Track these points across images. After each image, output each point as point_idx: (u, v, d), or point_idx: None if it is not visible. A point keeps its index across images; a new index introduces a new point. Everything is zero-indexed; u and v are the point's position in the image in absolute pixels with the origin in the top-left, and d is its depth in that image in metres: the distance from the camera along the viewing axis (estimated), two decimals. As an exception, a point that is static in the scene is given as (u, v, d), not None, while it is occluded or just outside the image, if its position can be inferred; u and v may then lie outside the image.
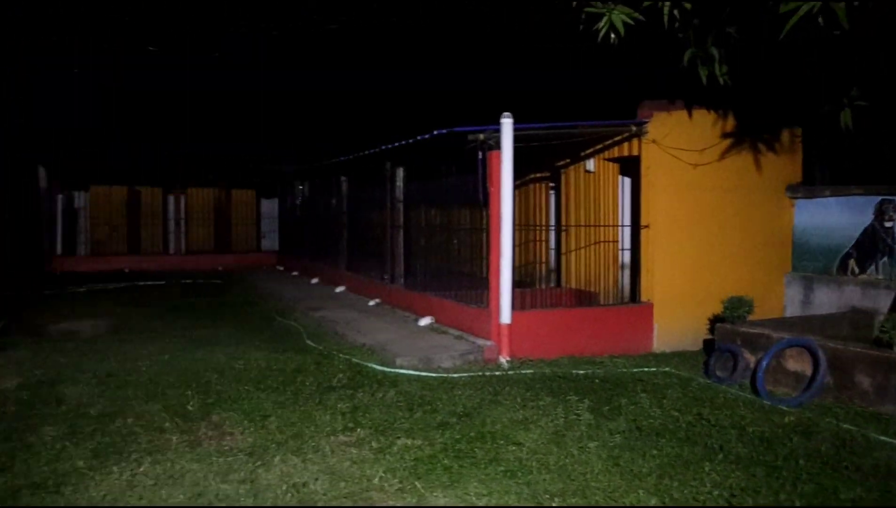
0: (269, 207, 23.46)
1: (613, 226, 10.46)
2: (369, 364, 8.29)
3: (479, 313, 9.13)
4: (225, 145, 27.51)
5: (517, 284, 9.66)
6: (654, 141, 9.61)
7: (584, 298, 10.71)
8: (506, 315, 8.60)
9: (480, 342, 8.86)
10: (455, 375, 7.98)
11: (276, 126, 30.25)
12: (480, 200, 8.87)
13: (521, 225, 11.36)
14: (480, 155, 8.87)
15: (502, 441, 5.78)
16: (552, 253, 12.37)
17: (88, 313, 12.27)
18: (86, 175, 20.32)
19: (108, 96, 19.72)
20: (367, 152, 12.10)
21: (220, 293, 15.02)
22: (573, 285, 10.99)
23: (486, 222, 8.88)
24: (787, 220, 10.57)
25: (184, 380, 7.61)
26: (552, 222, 12.35)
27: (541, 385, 7.55)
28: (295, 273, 18.40)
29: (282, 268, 20.26)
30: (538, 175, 12.41)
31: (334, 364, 8.31)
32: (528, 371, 8.20)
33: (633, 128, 9.65)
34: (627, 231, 10.42)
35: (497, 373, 8.12)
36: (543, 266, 12.41)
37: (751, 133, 10.01)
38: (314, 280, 16.25)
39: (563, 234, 11.28)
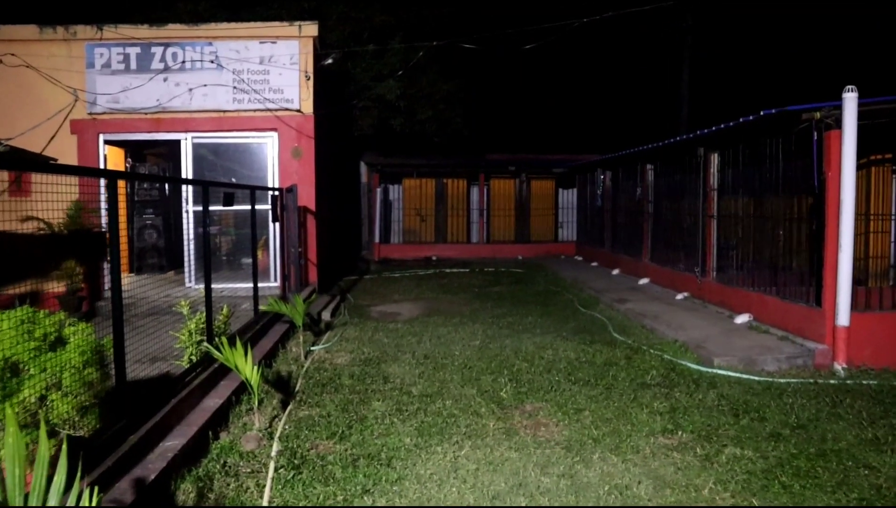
0: (567, 197, 23.51)
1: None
2: (683, 362, 7.81)
3: (809, 313, 8.18)
4: (524, 139, 28.31)
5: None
6: None
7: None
8: (843, 317, 7.60)
9: (811, 345, 7.93)
10: (782, 380, 7.22)
11: (576, 116, 30.40)
12: (815, 186, 7.90)
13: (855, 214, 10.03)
14: (815, 136, 7.91)
15: (850, 463, 5.05)
16: (893, 246, 10.79)
17: (403, 297, 13.15)
18: (399, 169, 21.91)
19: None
20: (677, 139, 11.48)
21: (521, 282, 15.30)
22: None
23: (821, 211, 7.89)
24: None
25: (495, 366, 7.77)
26: (893, 209, 10.75)
27: (891, 401, 6.54)
28: (594, 264, 18.20)
29: (580, 258, 20.17)
30: (877, 156, 10.86)
31: (646, 360, 7.95)
32: (871, 382, 7.16)
33: None
34: None
35: (832, 381, 7.20)
36: (883, 261, 10.85)
37: None
38: (615, 271, 15.91)
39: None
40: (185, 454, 4.93)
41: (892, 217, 10.81)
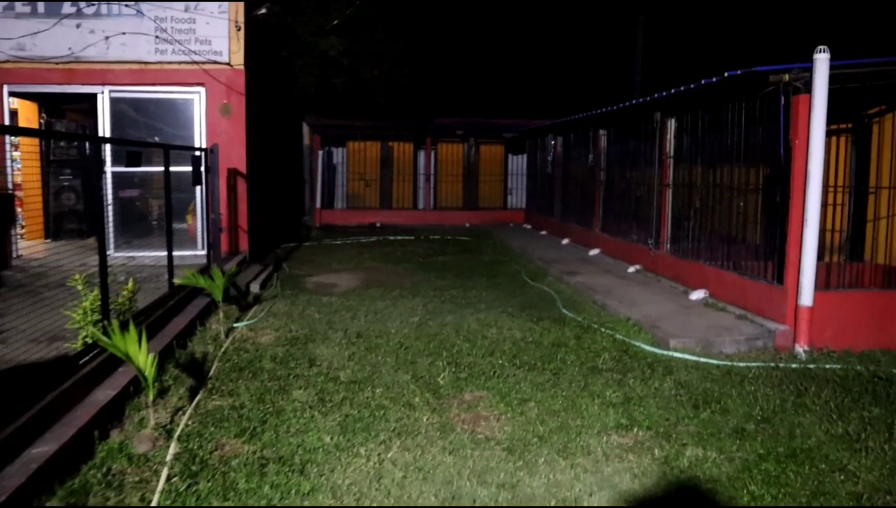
0: (516, 163, 22.89)
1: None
2: (637, 343, 7.24)
3: (769, 291, 7.68)
4: (473, 103, 27.47)
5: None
6: None
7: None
8: (807, 296, 7.10)
9: (771, 325, 7.44)
10: (742, 364, 6.70)
11: (527, 80, 29.66)
12: (781, 155, 7.34)
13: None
14: (783, 100, 7.33)
15: (823, 466, 4.51)
16: (850, 220, 10.38)
17: (342, 267, 12.38)
18: (343, 132, 20.95)
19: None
20: (633, 103, 10.85)
21: (468, 251, 14.64)
22: (881, 260, 9.07)
23: (786, 182, 7.34)
24: None
25: (434, 348, 7.09)
26: (852, 182, 10.33)
27: (859, 388, 6.06)
28: (543, 232, 17.63)
29: (529, 226, 19.60)
30: (837, 126, 10.39)
31: (597, 341, 7.36)
32: (836, 367, 6.68)
33: None
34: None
35: (794, 366, 6.71)
36: (838, 236, 10.44)
37: None
38: (564, 240, 15.36)
39: (872, 197, 9.32)
40: (60, 461, 4.13)
41: (850, 189, 10.40)
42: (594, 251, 13.29)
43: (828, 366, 6.72)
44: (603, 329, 7.77)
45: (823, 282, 7.88)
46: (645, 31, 23.99)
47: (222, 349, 6.94)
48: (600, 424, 5.13)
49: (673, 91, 9.43)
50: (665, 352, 6.96)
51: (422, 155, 21.65)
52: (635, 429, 5.04)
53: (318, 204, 20.21)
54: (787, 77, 7.10)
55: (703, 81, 8.24)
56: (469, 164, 21.72)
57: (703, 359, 6.81)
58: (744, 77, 7.37)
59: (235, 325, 7.95)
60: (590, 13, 27.61)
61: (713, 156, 9.35)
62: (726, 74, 7.47)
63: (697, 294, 8.94)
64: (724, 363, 6.73)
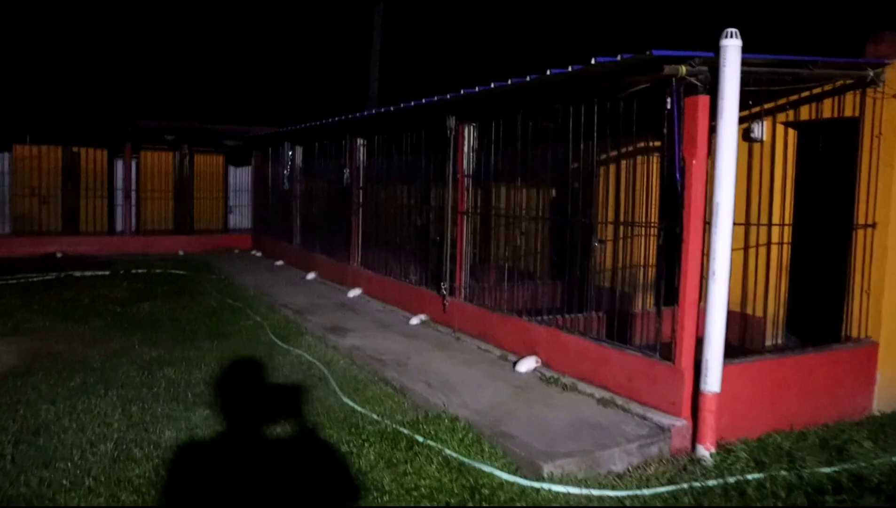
0: (240, 177, 19.51)
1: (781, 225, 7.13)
2: (488, 469, 4.59)
3: (650, 368, 5.48)
4: (186, 105, 23.45)
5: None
6: (895, 95, 6.11)
7: (739, 325, 7.34)
8: (714, 379, 4.98)
9: (658, 417, 5.24)
10: (647, 491, 4.39)
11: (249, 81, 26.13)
12: (677, 177, 5.15)
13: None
14: (669, 103, 5.19)
15: None
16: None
17: (-5, 328, 8.34)
18: (8, 131, 15.98)
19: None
20: (417, 103, 8.27)
21: (185, 293, 11.09)
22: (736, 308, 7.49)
23: (678, 214, 5.21)
24: None
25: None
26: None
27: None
28: (279, 262, 14.47)
29: (258, 254, 16.28)
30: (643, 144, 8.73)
31: (421, 468, 4.59)
32: (756, 476, 4.63)
33: (869, 72, 6.10)
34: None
35: (711, 483, 4.54)
36: (651, 272, 8.79)
37: None
38: (310, 275, 12.39)
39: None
40: None
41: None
42: (354, 292, 10.52)
43: (748, 476, 4.65)
44: (421, 440, 5.02)
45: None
46: (382, 30, 21.93)
47: None
48: None
49: (477, 89, 7.02)
50: (537, 485, 4.41)
51: (120, 165, 17.31)
52: None
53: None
54: (682, 70, 4.94)
55: (548, 72, 5.85)
56: (182, 177, 17.82)
57: (595, 492, 4.36)
58: (622, 68, 5.11)
59: None
60: (325, 18, 25.00)
61: (515, 173, 7.12)
62: (595, 60, 5.15)
63: (526, 364, 6.56)
64: (626, 492, 4.36)
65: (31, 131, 16.15)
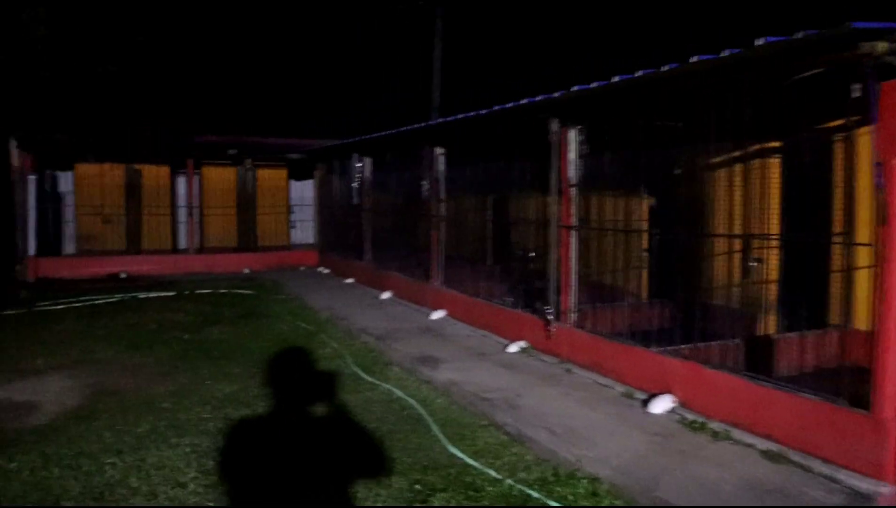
0: (302, 190, 18.87)
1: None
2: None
3: (839, 418, 4.44)
4: (247, 119, 23.05)
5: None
6: None
7: None
8: (931, 435, 3.94)
9: (854, 481, 4.21)
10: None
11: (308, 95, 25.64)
12: (880, 184, 4.13)
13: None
14: (858, 90, 4.18)
15: None
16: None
17: (54, 361, 7.68)
18: (68, 150, 15.58)
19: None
20: (515, 105, 7.36)
21: (254, 315, 10.38)
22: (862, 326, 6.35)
23: (884, 221, 4.19)
24: None
25: None
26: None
27: None
28: (349, 281, 13.72)
29: (327, 271, 15.58)
30: (759, 146, 7.62)
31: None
32: None
33: None
34: None
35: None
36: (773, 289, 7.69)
37: None
38: (384, 295, 11.59)
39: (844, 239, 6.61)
40: None
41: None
42: (437, 314, 9.65)
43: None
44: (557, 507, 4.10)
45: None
46: (443, 38, 21.18)
47: None
48: None
49: (594, 85, 6.09)
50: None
51: (182, 182, 16.82)
52: None
53: (32, 250, 14.47)
54: (883, 47, 3.94)
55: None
56: (245, 192, 17.25)
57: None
58: (808, 43, 4.11)
59: None
60: (386, 29, 24.35)
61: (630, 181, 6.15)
62: (762, 41, 4.17)
63: (661, 404, 5.58)
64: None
65: (94, 150, 15.73)
